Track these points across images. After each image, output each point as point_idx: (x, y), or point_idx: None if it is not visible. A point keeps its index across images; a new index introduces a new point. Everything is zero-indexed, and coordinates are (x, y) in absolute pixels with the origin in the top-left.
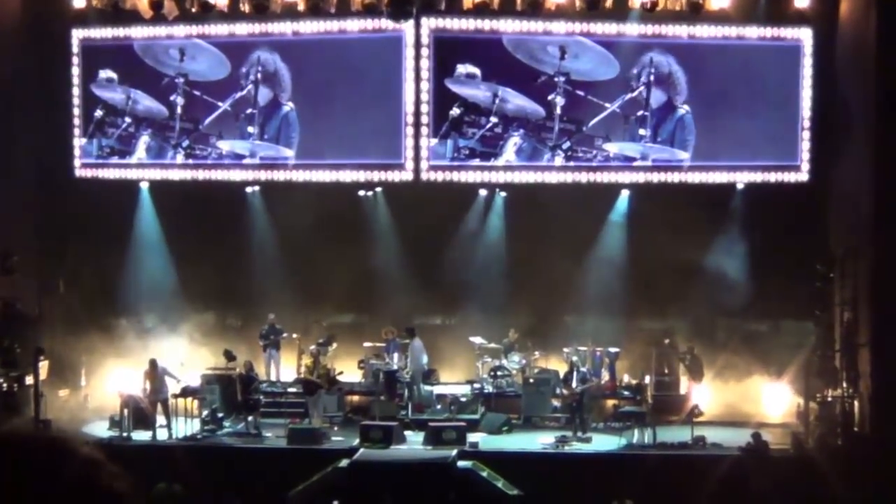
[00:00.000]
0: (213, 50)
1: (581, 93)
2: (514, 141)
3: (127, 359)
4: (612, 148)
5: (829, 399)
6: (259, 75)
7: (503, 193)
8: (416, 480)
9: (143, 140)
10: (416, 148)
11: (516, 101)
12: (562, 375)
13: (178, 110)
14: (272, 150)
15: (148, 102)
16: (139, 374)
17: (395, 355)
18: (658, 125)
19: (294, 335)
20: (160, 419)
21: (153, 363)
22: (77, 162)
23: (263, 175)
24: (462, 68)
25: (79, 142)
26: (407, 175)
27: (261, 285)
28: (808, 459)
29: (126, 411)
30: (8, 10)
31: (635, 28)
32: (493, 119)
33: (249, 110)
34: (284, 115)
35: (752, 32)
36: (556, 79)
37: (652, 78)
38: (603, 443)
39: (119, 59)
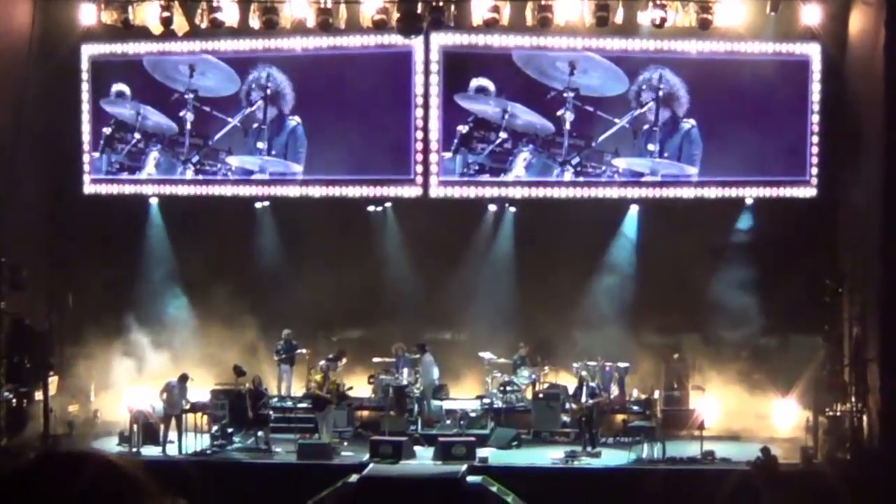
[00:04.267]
0: (223, 66)
1: (590, 108)
2: (524, 156)
3: (136, 374)
4: (622, 163)
5: (838, 414)
6: (268, 91)
7: (512, 209)
8: (426, 496)
9: (153, 156)
10: (426, 163)
11: (526, 116)
12: (571, 390)
13: (188, 126)
14: (281, 165)
15: (157, 118)
16: (149, 389)
17: (405, 370)
18: (664, 140)
19: (304, 350)
20: (171, 434)
21: (184, 378)
22: (87, 177)
23: (273, 190)
24: (475, 82)
25: (88, 157)
26: (416, 190)
27: (270, 301)
28: (816, 474)
29: (136, 427)
30: (18, 27)
31: (644, 44)
32: (503, 135)
33: (256, 125)
34: (291, 130)
35: (761, 48)
36: (565, 94)
37: (661, 93)
38: (612, 458)
39: (128, 75)
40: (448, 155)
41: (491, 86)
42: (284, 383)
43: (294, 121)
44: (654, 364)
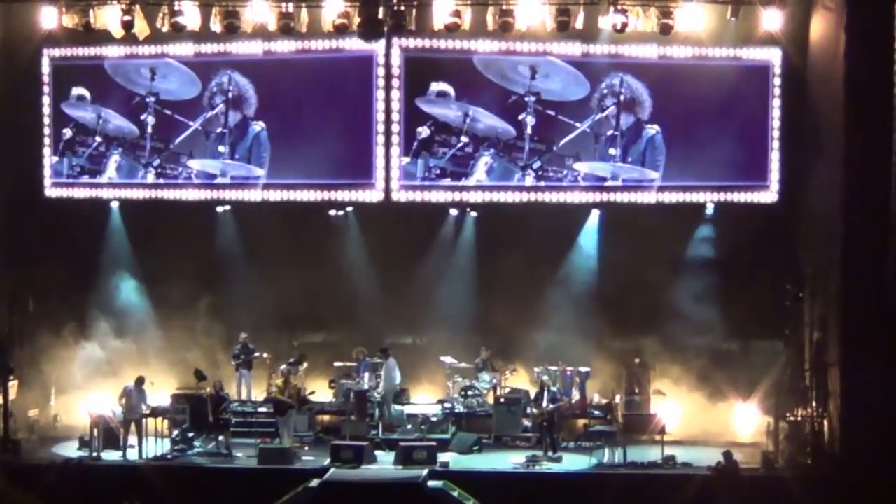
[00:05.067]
0: (184, 69)
1: (552, 112)
2: (485, 160)
3: (97, 378)
4: (583, 167)
5: (799, 418)
6: (230, 95)
7: (474, 213)
8: (387, 500)
9: (114, 159)
10: (387, 168)
11: (487, 120)
12: (532, 395)
13: (149, 129)
14: (243, 169)
15: (119, 121)
16: (109, 393)
17: (366, 375)
18: (628, 146)
19: (265, 355)
20: (131, 439)
21: (140, 381)
22: (47, 181)
23: (234, 194)
24: (434, 86)
25: (49, 161)
26: (378, 195)
27: (231, 304)
28: (777, 479)
29: (96, 431)
30: None
31: (606, 49)
32: (464, 139)
33: (219, 129)
34: (255, 135)
35: (722, 54)
36: (526, 98)
37: (622, 98)
38: (573, 462)
39: (90, 79)
40: (407, 159)
41: (450, 90)
42: (244, 388)
43: (258, 126)
44: (615, 368)
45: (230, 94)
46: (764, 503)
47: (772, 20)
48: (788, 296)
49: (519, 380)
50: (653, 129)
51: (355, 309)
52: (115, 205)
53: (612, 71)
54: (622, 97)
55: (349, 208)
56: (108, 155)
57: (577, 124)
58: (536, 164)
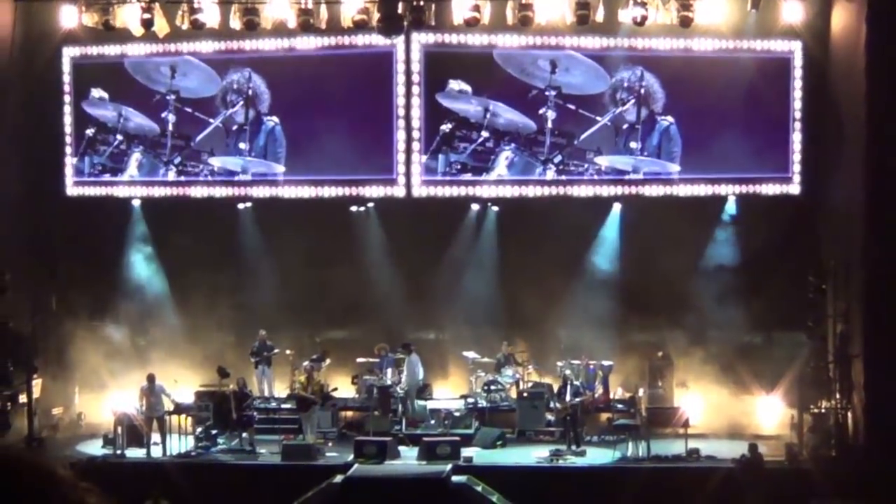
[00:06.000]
0: (204, 66)
1: (572, 106)
2: (506, 155)
3: (120, 376)
4: (604, 161)
5: (823, 410)
6: (249, 92)
7: (495, 208)
8: (411, 495)
9: (135, 157)
10: (408, 163)
11: (507, 115)
12: (555, 389)
13: (170, 127)
14: (263, 166)
15: (139, 120)
16: (133, 392)
17: (389, 370)
18: (643, 138)
19: (287, 351)
20: (155, 436)
21: (151, 378)
22: (69, 180)
23: (255, 191)
24: (454, 84)
25: (71, 160)
26: (399, 190)
27: (253, 301)
28: (801, 471)
29: (120, 429)
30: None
31: (625, 42)
32: (485, 133)
33: (235, 126)
34: (269, 130)
35: (742, 46)
36: (546, 93)
37: (643, 91)
38: (597, 456)
39: (110, 77)
40: (425, 157)
41: (468, 88)
42: (266, 384)
43: (272, 121)
44: (637, 362)
45: (249, 92)
46: (788, 495)
47: (792, 12)
48: (811, 288)
49: (542, 374)
50: (666, 121)
51: (377, 305)
52: (136, 203)
53: (631, 64)
54: (642, 90)
55: (370, 204)
56: (130, 153)
57: (598, 118)
58: (557, 159)
